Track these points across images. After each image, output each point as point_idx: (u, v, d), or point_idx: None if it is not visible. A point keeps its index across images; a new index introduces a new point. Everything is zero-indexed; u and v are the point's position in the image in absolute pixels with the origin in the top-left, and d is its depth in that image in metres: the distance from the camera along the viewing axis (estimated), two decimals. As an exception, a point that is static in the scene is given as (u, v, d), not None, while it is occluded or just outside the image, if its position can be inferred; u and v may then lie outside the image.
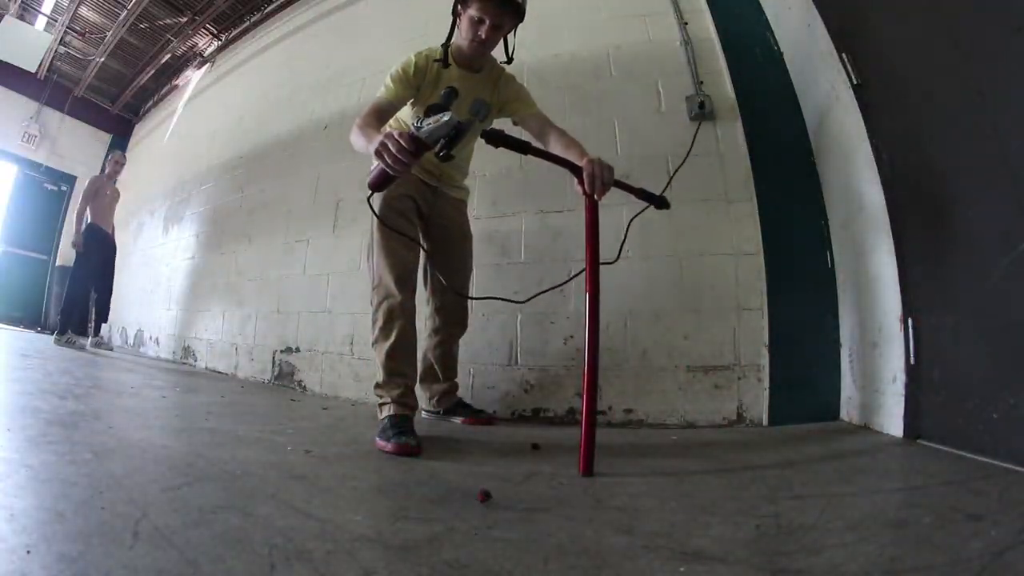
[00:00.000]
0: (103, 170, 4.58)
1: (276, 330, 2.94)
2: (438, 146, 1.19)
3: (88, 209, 4.09)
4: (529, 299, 1.55)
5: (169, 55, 5.35)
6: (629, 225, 1.53)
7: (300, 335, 2.79)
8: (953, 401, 1.31)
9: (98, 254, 4.07)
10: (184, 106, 5.23)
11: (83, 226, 4.04)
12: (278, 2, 4.31)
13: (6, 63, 5.20)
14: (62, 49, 5.41)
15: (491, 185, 2.35)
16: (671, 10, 2.33)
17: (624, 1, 2.46)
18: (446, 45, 1.58)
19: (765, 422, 1.80)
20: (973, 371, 1.28)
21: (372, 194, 1.41)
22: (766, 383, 1.83)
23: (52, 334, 5.15)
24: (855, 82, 1.66)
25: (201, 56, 5.20)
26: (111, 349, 4.07)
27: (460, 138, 1.20)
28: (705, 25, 2.28)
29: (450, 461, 1.29)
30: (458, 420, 1.87)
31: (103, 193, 4.15)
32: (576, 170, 1.32)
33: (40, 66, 5.47)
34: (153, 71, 5.62)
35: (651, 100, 2.24)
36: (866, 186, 1.66)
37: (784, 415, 1.79)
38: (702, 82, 2.18)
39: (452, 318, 1.84)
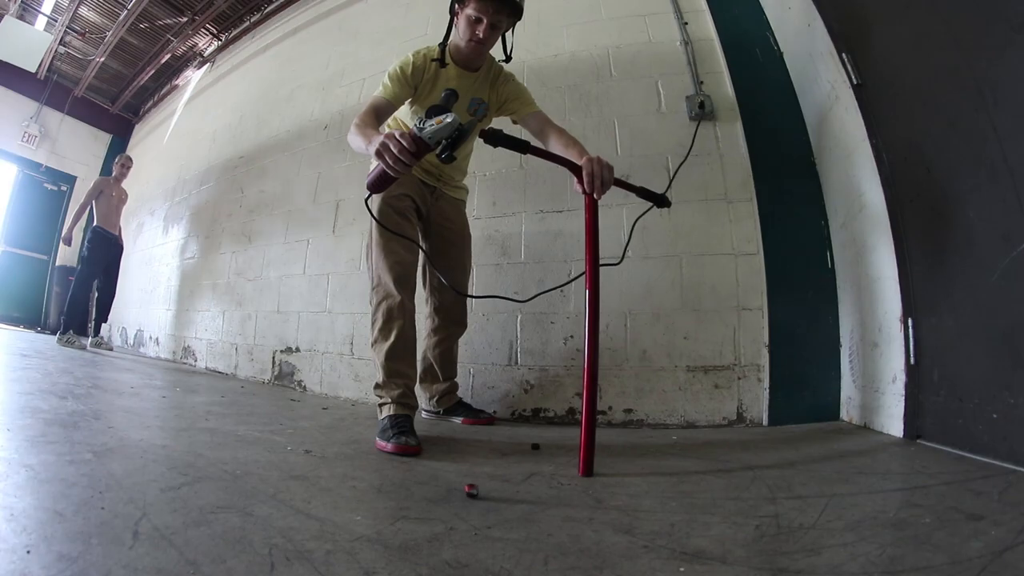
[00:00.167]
0: (105, 172, 4.61)
1: (276, 330, 2.94)
2: (440, 148, 1.19)
3: (93, 211, 4.13)
4: (530, 299, 1.55)
5: (169, 55, 5.35)
6: (633, 226, 1.54)
7: (300, 335, 2.79)
8: (953, 401, 1.31)
9: (102, 256, 4.10)
10: (184, 106, 5.23)
11: (77, 224, 4.11)
12: (278, 2, 4.31)
13: (6, 63, 5.20)
14: (62, 49, 5.41)
15: (491, 185, 2.35)
16: (671, 10, 2.33)
17: (624, 1, 2.46)
18: (443, 44, 1.57)
19: (765, 422, 1.80)
20: (973, 371, 1.28)
21: (371, 195, 1.40)
22: (766, 383, 1.83)
23: (52, 334, 5.18)
24: (855, 82, 1.66)
25: (201, 56, 5.20)
26: (111, 349, 4.09)
27: (463, 140, 1.20)
28: (705, 25, 2.28)
29: (450, 461, 1.29)
30: (458, 420, 1.87)
31: (108, 194, 4.17)
32: (576, 169, 1.32)
33: (40, 66, 5.47)
34: (153, 71, 5.62)
35: (651, 100, 2.24)
36: (866, 186, 1.66)
37: (784, 415, 1.79)
38: (702, 82, 2.18)
39: (451, 317, 1.84)
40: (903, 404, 1.46)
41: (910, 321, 1.47)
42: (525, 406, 2.04)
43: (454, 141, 1.19)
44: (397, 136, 1.19)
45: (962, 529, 0.77)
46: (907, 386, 1.46)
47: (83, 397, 1.82)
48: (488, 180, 2.36)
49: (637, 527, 0.83)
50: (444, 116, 1.18)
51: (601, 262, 1.33)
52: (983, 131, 1.21)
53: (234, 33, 4.82)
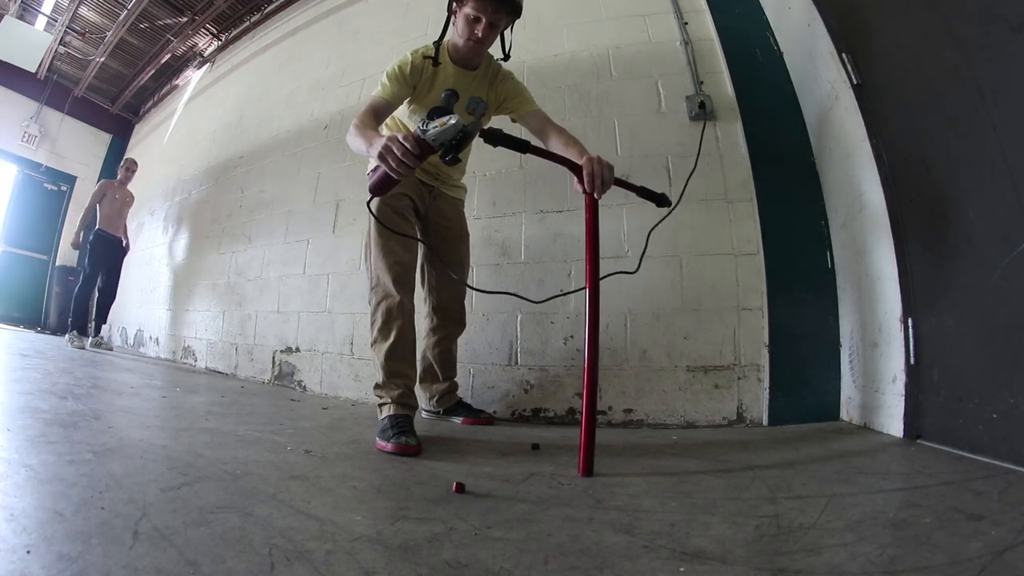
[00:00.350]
0: (105, 171, 4.66)
1: (276, 330, 2.94)
2: (443, 150, 1.18)
3: (97, 213, 4.20)
4: (544, 300, 1.56)
5: (169, 55, 5.35)
6: (649, 236, 1.53)
7: (300, 335, 2.79)
8: (953, 401, 1.31)
9: (104, 258, 4.17)
10: (184, 106, 5.23)
11: (85, 228, 4.20)
12: (278, 2, 4.31)
13: (6, 63, 5.20)
14: (62, 49, 5.41)
15: (491, 185, 2.35)
16: (671, 10, 2.33)
17: (624, 1, 2.46)
18: (438, 43, 1.56)
19: (765, 422, 1.80)
20: (973, 371, 1.28)
21: (372, 198, 1.39)
22: (766, 383, 1.83)
23: (52, 334, 5.19)
24: (855, 82, 1.66)
25: (201, 56, 5.20)
26: (111, 349, 4.12)
27: (467, 142, 1.19)
28: (705, 25, 2.28)
29: (450, 461, 1.29)
30: (458, 420, 1.87)
31: (111, 197, 4.26)
32: (576, 168, 1.31)
33: (40, 66, 5.47)
34: (153, 71, 5.62)
35: (651, 100, 2.24)
36: (866, 186, 1.66)
37: (784, 415, 1.79)
38: (702, 82, 2.18)
39: (450, 316, 1.84)
40: (903, 404, 1.46)
41: (910, 321, 1.47)
42: (525, 406, 2.04)
43: (458, 143, 1.18)
44: (400, 139, 1.18)
45: (962, 529, 0.77)
46: (907, 386, 1.46)
47: (83, 397, 1.82)
48: (488, 180, 2.36)
49: (637, 527, 0.83)
50: (447, 118, 1.16)
51: (617, 269, 1.32)
52: (983, 131, 1.21)
53: (234, 33, 4.82)
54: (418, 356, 1.75)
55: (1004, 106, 1.15)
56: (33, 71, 5.49)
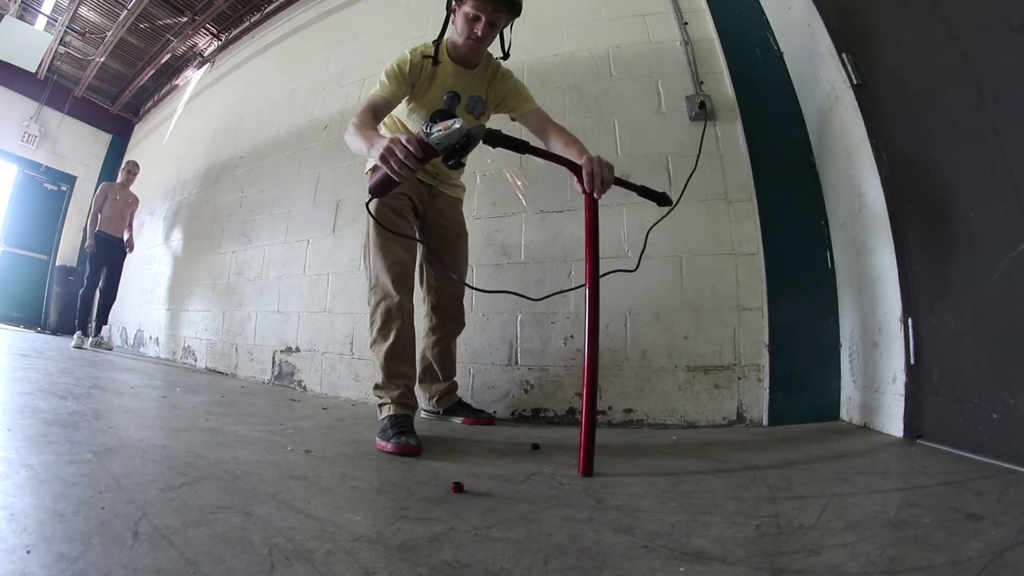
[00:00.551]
0: (105, 172, 4.69)
1: (276, 330, 2.94)
2: (447, 154, 1.17)
3: (98, 215, 4.25)
4: (543, 298, 1.56)
5: (169, 55, 5.35)
6: (648, 235, 1.53)
7: (300, 335, 2.79)
8: (953, 401, 1.31)
9: (104, 258, 4.22)
10: (184, 106, 5.22)
11: (93, 231, 4.25)
12: (278, 2, 4.31)
13: (6, 63, 5.20)
14: (62, 49, 5.40)
15: (491, 185, 2.35)
16: (671, 10, 2.33)
17: (624, 1, 2.46)
18: (438, 42, 1.55)
19: (765, 422, 1.80)
20: (973, 371, 1.28)
21: (371, 199, 1.37)
22: (766, 383, 1.83)
23: (52, 334, 5.20)
24: (855, 82, 1.66)
25: (201, 56, 5.20)
26: (110, 349, 4.15)
27: (471, 147, 1.18)
28: (705, 25, 2.28)
29: (450, 461, 1.29)
30: (458, 420, 1.87)
31: (112, 199, 4.29)
32: (576, 168, 1.31)
33: (40, 66, 5.47)
34: (153, 71, 5.62)
35: (651, 100, 2.24)
36: (866, 186, 1.66)
37: (784, 415, 1.79)
38: (702, 82, 2.18)
39: (449, 316, 1.84)
40: (903, 404, 1.46)
41: (910, 321, 1.47)
42: (525, 406, 2.04)
43: (462, 148, 1.17)
44: (403, 141, 1.17)
45: (962, 529, 0.77)
46: (907, 386, 1.46)
47: (83, 397, 1.82)
48: (488, 180, 2.36)
49: (637, 527, 0.83)
50: (451, 121, 1.15)
51: (616, 267, 1.32)
52: (983, 131, 1.21)
53: (234, 33, 4.82)
54: (417, 356, 1.75)
55: (1004, 106, 1.15)
56: (33, 71, 5.49)
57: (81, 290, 4.25)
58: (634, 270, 1.50)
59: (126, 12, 4.76)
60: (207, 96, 4.84)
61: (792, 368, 1.83)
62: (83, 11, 4.86)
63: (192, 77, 5.35)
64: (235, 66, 4.57)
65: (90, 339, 4.09)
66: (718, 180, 2.04)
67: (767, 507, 0.92)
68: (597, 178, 1.27)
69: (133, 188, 4.49)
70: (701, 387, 1.88)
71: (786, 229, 1.94)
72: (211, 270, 3.65)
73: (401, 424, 1.42)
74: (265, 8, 4.46)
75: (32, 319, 5.77)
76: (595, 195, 1.28)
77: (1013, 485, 0.98)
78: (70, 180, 6.12)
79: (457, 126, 1.14)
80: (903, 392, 1.47)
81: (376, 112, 1.47)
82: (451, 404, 1.91)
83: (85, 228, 4.40)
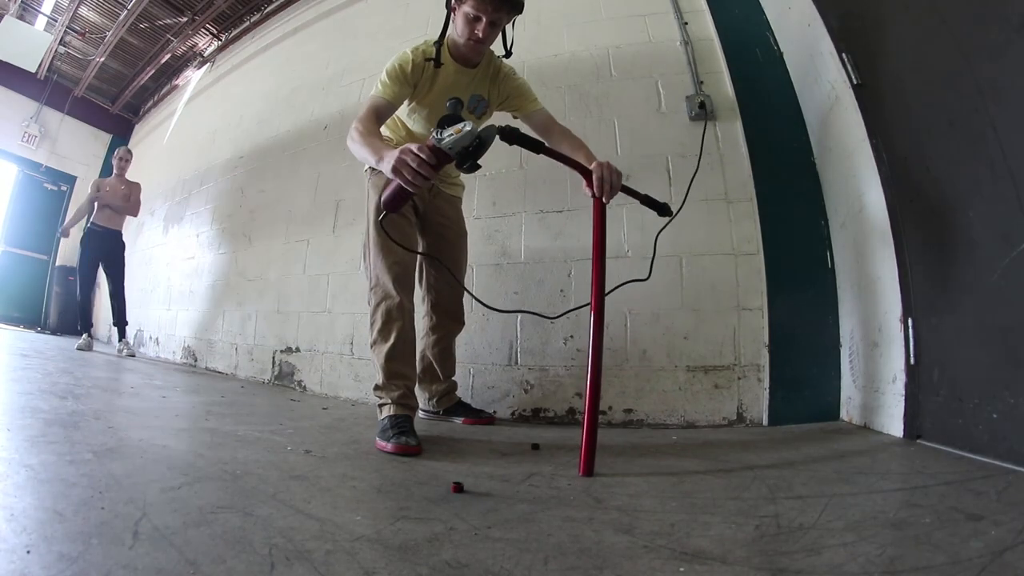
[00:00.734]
0: (105, 172, 4.61)
1: (276, 330, 2.94)
2: (460, 158, 1.16)
3: (92, 208, 4.11)
4: (559, 316, 1.56)
5: (169, 55, 5.35)
6: (656, 242, 1.54)
7: (300, 335, 2.79)
8: (953, 401, 1.31)
9: (96, 249, 4.06)
10: (184, 106, 5.23)
11: (77, 222, 4.17)
12: (278, 2, 4.31)
13: (6, 63, 5.19)
14: (62, 49, 5.40)
15: (491, 185, 2.35)
16: (671, 10, 2.33)
17: (624, 1, 2.46)
18: (439, 42, 1.53)
19: (765, 422, 1.80)
20: (973, 371, 1.28)
21: (385, 215, 1.32)
22: (766, 383, 1.83)
23: (52, 334, 5.19)
24: (855, 82, 1.66)
25: (201, 56, 5.20)
26: (133, 355, 3.90)
27: (483, 149, 1.16)
28: (705, 25, 2.28)
29: (450, 461, 1.29)
30: (458, 420, 1.86)
31: (103, 190, 4.09)
32: (586, 173, 1.32)
33: (40, 66, 5.47)
34: (153, 71, 5.62)
35: (651, 100, 2.24)
36: (866, 186, 1.66)
37: (784, 415, 1.79)
38: (702, 82, 2.18)
39: (449, 315, 1.83)
40: (903, 404, 1.46)
41: (910, 321, 1.47)
42: (525, 406, 2.04)
43: (475, 150, 1.15)
44: (414, 150, 1.15)
45: (962, 529, 0.77)
46: (907, 386, 1.46)
47: (83, 397, 1.82)
48: (488, 180, 2.36)
49: (637, 527, 0.83)
50: (461, 125, 1.14)
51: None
52: (983, 131, 1.21)
53: (234, 33, 4.82)
54: (417, 356, 1.75)
55: (1004, 106, 1.15)
56: (33, 71, 5.49)
57: (77, 290, 4.11)
58: (646, 279, 1.51)
59: (126, 12, 4.76)
60: (207, 96, 4.84)
61: (792, 368, 1.83)
62: (83, 11, 4.86)
63: (192, 77, 5.35)
64: (235, 66, 4.57)
65: (118, 346, 3.94)
66: (718, 180, 2.04)
67: (767, 507, 0.92)
68: (607, 183, 1.28)
69: (137, 180, 4.28)
70: (701, 387, 1.88)
71: (786, 229, 1.94)
72: (211, 270, 3.65)
73: (401, 424, 1.42)
74: (265, 8, 4.46)
75: (32, 319, 5.77)
76: (604, 200, 1.29)
77: (1013, 485, 0.98)
78: (70, 180, 6.12)
79: (467, 129, 1.14)
80: (903, 392, 1.47)
81: (379, 115, 1.46)
82: (451, 404, 1.91)
83: (75, 217, 4.23)
